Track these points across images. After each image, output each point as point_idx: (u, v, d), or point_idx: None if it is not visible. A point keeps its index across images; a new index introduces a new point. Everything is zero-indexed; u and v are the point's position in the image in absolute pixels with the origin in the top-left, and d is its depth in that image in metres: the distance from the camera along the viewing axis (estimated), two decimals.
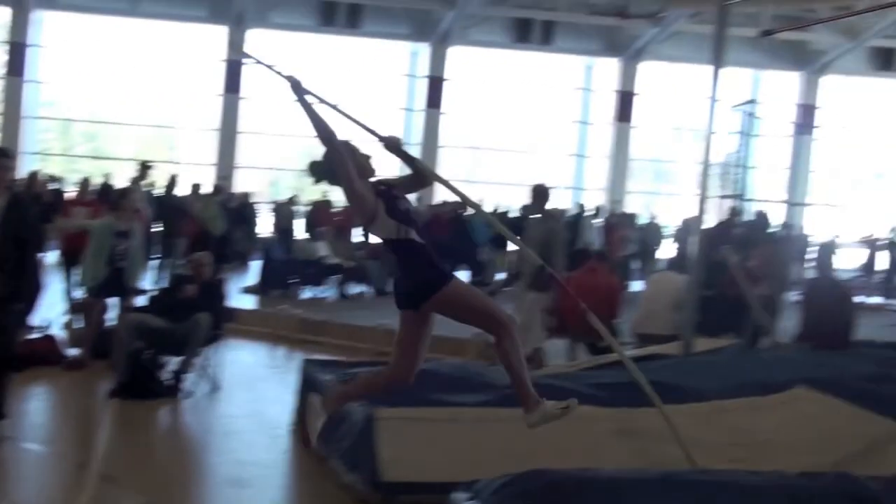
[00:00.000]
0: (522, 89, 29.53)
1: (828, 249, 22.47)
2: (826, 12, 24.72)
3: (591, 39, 28.90)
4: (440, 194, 22.26)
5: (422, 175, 5.57)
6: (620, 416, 6.29)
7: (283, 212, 21.38)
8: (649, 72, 29.56)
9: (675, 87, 29.41)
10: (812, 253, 21.51)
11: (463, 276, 19.74)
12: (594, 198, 27.56)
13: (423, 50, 28.30)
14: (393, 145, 5.41)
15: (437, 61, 28.04)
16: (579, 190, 29.50)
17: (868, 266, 23.63)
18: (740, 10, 19.84)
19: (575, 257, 11.20)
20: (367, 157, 5.34)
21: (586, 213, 21.12)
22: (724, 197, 19.92)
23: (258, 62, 5.70)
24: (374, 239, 20.32)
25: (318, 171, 5.40)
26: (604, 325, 10.55)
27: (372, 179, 5.32)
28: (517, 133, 30.09)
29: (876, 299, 20.80)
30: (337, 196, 22.91)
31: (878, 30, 26.90)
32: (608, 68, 29.74)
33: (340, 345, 12.07)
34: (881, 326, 14.52)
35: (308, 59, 27.43)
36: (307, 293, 16.74)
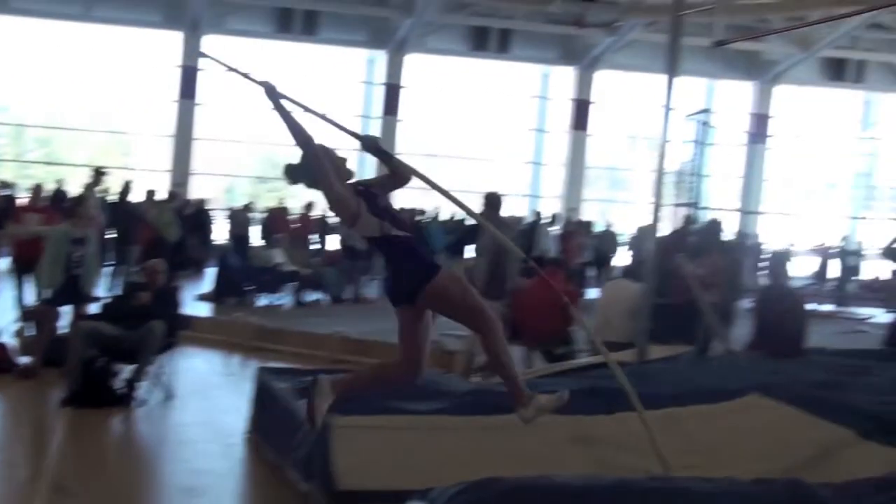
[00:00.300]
0: (479, 97, 29.62)
1: (780, 258, 22.68)
2: (779, 23, 25.00)
3: (547, 48, 29.05)
4: (397, 201, 22.22)
5: (400, 174, 5.56)
6: (576, 424, 6.31)
7: (239, 219, 21.28)
8: (605, 80, 29.76)
9: (630, 95, 29.62)
10: (766, 261, 21.72)
11: None
12: (550, 205, 27.67)
13: (380, 57, 28.32)
14: (371, 145, 5.45)
15: (394, 69, 28.07)
16: (536, 198, 29.65)
17: (820, 274, 23.90)
18: (694, 21, 20.01)
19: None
20: (344, 160, 5.37)
21: (542, 221, 21.18)
22: (678, 205, 20.11)
23: (231, 69, 5.66)
24: (330, 246, 20.01)
25: (296, 174, 5.41)
26: (559, 333, 10.67)
27: (350, 181, 5.34)
28: (474, 141, 30.19)
29: (828, 307, 21.02)
30: (293, 203, 22.92)
31: (829, 41, 27.29)
32: (564, 77, 29.91)
33: (296, 352, 12.03)
34: (833, 334, 14.69)
35: (264, 66, 27.32)
36: (263, 300, 16.65)
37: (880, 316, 17.65)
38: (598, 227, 23.58)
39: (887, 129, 29.11)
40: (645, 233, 14.50)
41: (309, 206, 20.28)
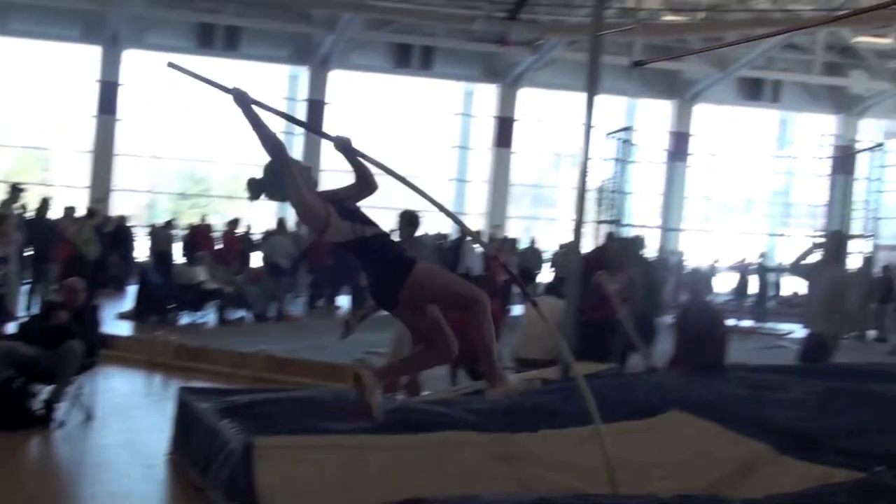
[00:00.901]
0: (402, 113, 29.66)
1: (700, 274, 23.00)
2: (697, 44, 25.45)
3: (470, 65, 29.20)
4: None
5: (367, 180, 5.58)
6: (500, 442, 6.33)
7: (161, 236, 21.04)
8: (528, 98, 29.99)
9: (553, 113, 29.88)
10: (687, 277, 22.01)
11: (345, 301, 19.72)
12: (475, 223, 27.80)
13: (303, 73, 28.23)
14: (344, 145, 5.45)
15: (318, 85, 27.99)
16: (460, 215, 29.69)
17: (740, 290, 24.29)
18: (615, 40, 20.34)
19: None
20: (308, 169, 5.38)
21: (467, 239, 21.23)
22: (600, 222, 20.33)
23: (200, 78, 5.66)
24: (254, 263, 19.69)
25: (259, 188, 5.38)
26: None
27: (316, 190, 5.35)
28: (398, 157, 30.15)
29: (747, 323, 21.35)
30: (216, 220, 22.72)
31: (746, 61, 27.79)
32: (487, 94, 30.07)
33: (219, 371, 11.91)
34: (753, 349, 14.94)
35: (185, 83, 27.06)
36: (185, 319, 16.48)
37: (799, 331, 17.97)
38: (523, 244, 23.71)
39: (803, 148, 29.70)
40: (568, 249, 14.62)
41: (232, 223, 20.14)
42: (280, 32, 27.13)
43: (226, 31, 26.71)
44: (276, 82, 28.74)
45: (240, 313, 17.29)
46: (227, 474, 6.12)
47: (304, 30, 27.20)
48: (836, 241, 10.70)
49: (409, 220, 9.99)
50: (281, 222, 20.54)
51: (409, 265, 5.25)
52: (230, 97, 5.35)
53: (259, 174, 5.38)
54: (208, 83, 5.49)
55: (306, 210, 5.21)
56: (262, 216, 25.61)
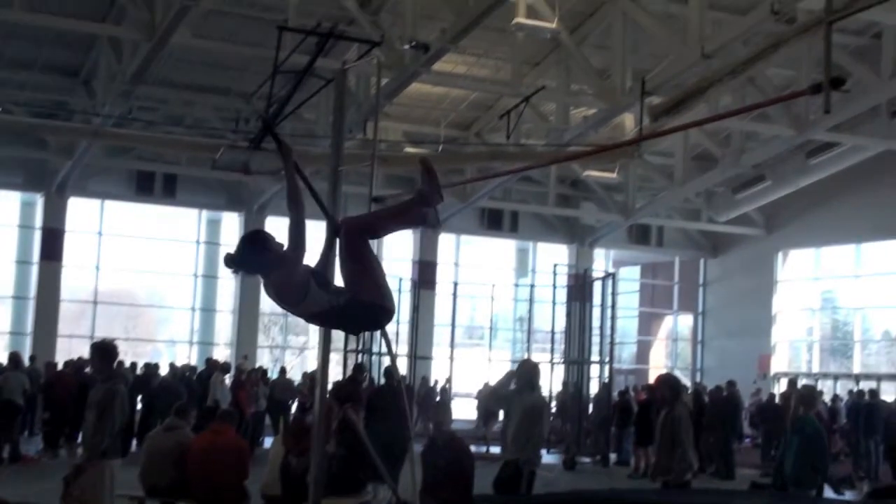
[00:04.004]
0: (145, 241, 29.11)
1: (447, 403, 23.36)
2: (437, 175, 26.14)
3: (214, 193, 28.94)
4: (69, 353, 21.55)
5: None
6: None
7: None
8: (276, 225, 29.92)
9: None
10: (435, 407, 22.21)
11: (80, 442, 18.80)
12: (222, 353, 27.36)
13: (39, 200, 27.27)
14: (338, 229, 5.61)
15: (54, 212, 27.07)
16: (207, 345, 29.15)
17: (487, 416, 24.58)
18: (356, 170, 20.60)
19: (204, 416, 10.98)
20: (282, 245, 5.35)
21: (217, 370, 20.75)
22: (349, 351, 20.33)
23: (261, 135, 5.78)
24: None
25: (235, 261, 5.33)
26: (232, 488, 10.39)
27: None
28: (140, 285, 29.58)
29: (495, 449, 21.58)
30: None
31: (484, 192, 28.66)
32: (232, 222, 29.79)
33: None
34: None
35: None
36: None
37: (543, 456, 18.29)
38: (273, 375, 23.42)
39: (541, 276, 30.77)
40: (314, 379, 14.48)
41: None
42: (12, 158, 26.11)
43: None
44: (7, 209, 27.66)
45: None
46: None
47: (39, 155, 26.31)
48: (528, 370, 10.84)
49: (102, 351, 8.73)
50: (14, 357, 19.45)
51: (359, 300, 5.26)
52: (280, 150, 5.61)
53: (236, 249, 5.30)
54: (271, 135, 6.29)
55: (295, 277, 5.16)
56: None
